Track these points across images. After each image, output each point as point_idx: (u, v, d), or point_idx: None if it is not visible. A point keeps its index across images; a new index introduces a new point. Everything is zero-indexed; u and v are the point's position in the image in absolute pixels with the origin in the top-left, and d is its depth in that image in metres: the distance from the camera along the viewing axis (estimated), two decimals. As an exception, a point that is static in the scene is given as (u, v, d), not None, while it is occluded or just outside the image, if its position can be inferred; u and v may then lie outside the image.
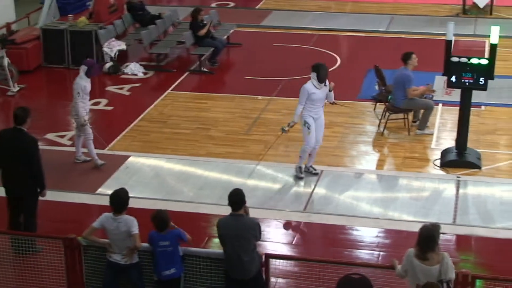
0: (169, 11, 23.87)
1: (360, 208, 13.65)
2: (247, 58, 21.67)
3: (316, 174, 14.63)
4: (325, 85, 14.14)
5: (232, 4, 27.50)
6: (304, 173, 14.61)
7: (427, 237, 9.19)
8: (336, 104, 15.07)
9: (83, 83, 14.56)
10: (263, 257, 10.11)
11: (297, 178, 14.56)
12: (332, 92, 14.35)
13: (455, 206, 13.54)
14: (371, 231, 12.99)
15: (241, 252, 9.88)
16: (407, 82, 16.01)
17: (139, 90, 19.46)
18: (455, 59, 14.43)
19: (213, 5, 26.84)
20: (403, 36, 23.43)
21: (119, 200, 10.21)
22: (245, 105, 18.14)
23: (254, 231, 9.97)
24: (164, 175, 14.98)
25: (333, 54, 21.71)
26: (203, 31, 20.81)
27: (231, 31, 22.77)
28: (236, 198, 10.00)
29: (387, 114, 16.52)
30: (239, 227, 9.91)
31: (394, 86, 16.36)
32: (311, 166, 14.72)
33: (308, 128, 14.17)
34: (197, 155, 15.62)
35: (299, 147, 15.69)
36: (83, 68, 14.63)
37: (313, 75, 14.03)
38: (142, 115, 17.69)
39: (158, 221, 10.06)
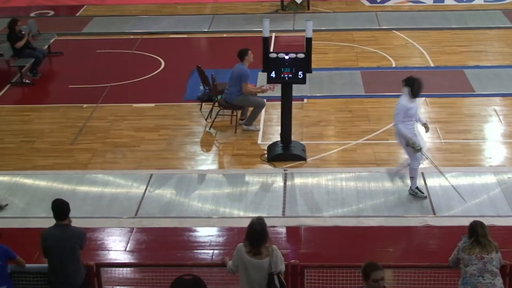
0: (-16, 23, 23.26)
1: (191, 209, 13.68)
2: (70, 66, 21.31)
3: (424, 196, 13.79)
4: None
5: (51, 12, 26.95)
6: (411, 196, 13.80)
7: (261, 233, 9.36)
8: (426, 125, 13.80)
9: None
10: (94, 266, 10.04)
11: (423, 198, 13.66)
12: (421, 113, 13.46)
13: (284, 198, 13.81)
14: (203, 230, 13.06)
15: (68, 263, 9.77)
16: (244, 77, 16.13)
17: (-41, 107, 18.85)
18: (273, 55, 14.73)
19: (32, 14, 26.28)
20: (225, 35, 23.73)
21: None
22: (70, 114, 17.82)
23: (80, 240, 9.89)
24: (-11, 192, 14.57)
25: (157, 57, 21.68)
26: (21, 43, 20.30)
27: (52, 40, 22.36)
28: (62, 207, 9.89)
29: (216, 111, 16.73)
30: (66, 237, 9.79)
31: (230, 81, 16.42)
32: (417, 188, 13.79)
33: (413, 147, 13.21)
34: (23, 169, 15.24)
35: (127, 153, 15.66)
36: None
37: (406, 90, 13.10)
38: (-37, 133, 17.15)
39: None
